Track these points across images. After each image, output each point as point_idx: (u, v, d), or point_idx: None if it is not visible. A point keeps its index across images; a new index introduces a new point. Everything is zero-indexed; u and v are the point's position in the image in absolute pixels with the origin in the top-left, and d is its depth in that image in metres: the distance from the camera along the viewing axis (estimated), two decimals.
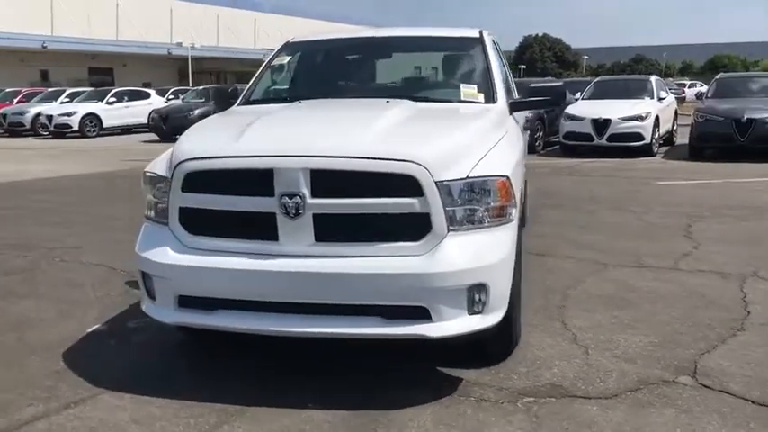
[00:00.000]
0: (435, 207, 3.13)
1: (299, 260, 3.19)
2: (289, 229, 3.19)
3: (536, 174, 9.20)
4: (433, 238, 3.16)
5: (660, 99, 15.49)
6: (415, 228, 3.17)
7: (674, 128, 16.74)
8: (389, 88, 4.59)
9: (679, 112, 17.64)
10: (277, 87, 4.99)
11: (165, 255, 3.35)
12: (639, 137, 14.12)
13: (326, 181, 3.15)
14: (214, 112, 4.72)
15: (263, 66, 4.91)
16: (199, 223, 3.36)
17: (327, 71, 5.21)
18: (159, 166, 3.55)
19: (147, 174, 3.59)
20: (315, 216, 3.16)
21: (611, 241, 6.62)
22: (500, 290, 3.31)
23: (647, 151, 14.14)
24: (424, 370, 3.70)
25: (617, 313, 4.54)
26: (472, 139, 3.51)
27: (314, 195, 3.14)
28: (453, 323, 3.18)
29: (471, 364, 3.69)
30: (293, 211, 3.15)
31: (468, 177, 3.21)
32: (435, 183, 3.12)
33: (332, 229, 3.19)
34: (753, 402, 3.26)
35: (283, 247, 3.22)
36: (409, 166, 3.12)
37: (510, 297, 3.42)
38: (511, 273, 3.40)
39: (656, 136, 14.55)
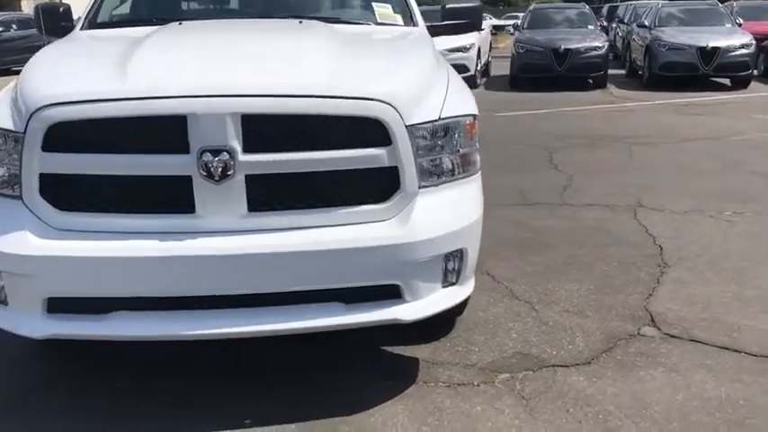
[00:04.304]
0: (406, 158, 2.46)
1: (226, 238, 2.37)
2: (211, 196, 2.35)
3: None
4: (403, 197, 2.49)
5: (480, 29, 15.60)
6: (380, 186, 2.48)
7: (489, 59, 17.07)
8: (285, 5, 3.72)
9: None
10: (130, 5, 3.86)
11: (25, 242, 2.34)
12: (464, 68, 14.06)
13: (263, 130, 2.34)
14: (46, 41, 3.53)
15: None
16: (72, 195, 2.39)
17: None
18: None
19: None
20: (248, 178, 2.35)
21: (486, 178, 6.31)
22: (475, 253, 2.76)
23: (470, 83, 14.20)
24: (364, 351, 3.09)
25: (536, 259, 4.21)
26: (429, 71, 2.85)
27: (247, 150, 2.32)
28: (428, 300, 2.57)
29: (410, 336, 3.13)
30: (219, 173, 2.31)
31: (440, 119, 2.57)
32: (406, 127, 2.44)
33: (270, 195, 2.41)
34: (727, 349, 3.06)
35: (203, 222, 2.38)
36: (376, 106, 2.40)
37: None
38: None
39: (479, 67, 14.68)
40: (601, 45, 13.59)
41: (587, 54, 13.41)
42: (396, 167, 2.46)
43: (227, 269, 2.36)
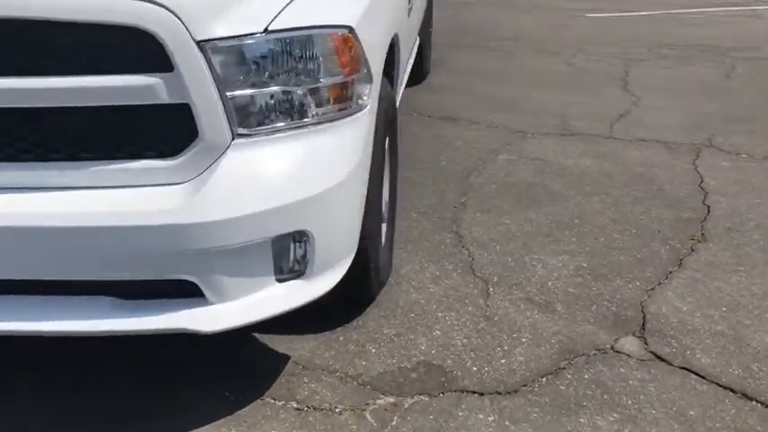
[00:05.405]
0: (200, 91, 1.62)
1: None
2: None
3: (440, 2, 7.53)
4: (202, 150, 1.68)
5: None
6: (165, 133, 1.67)
7: None
8: None
9: None
10: None
11: None
12: None
13: None
14: None
15: None
16: None
17: None
18: None
19: None
20: None
21: (531, 96, 5.22)
22: (338, 234, 1.91)
23: None
24: (231, 337, 2.35)
25: (533, 215, 3.25)
26: None
27: None
28: (249, 301, 1.78)
29: (304, 318, 2.35)
30: None
31: (269, 31, 1.69)
32: (197, 43, 1.59)
33: None
34: (731, 391, 2.08)
35: None
36: (138, 8, 1.54)
37: (366, 228, 2.07)
38: (360, 202, 1.99)
39: None
40: None
41: None
42: (186, 104, 1.63)
43: None
